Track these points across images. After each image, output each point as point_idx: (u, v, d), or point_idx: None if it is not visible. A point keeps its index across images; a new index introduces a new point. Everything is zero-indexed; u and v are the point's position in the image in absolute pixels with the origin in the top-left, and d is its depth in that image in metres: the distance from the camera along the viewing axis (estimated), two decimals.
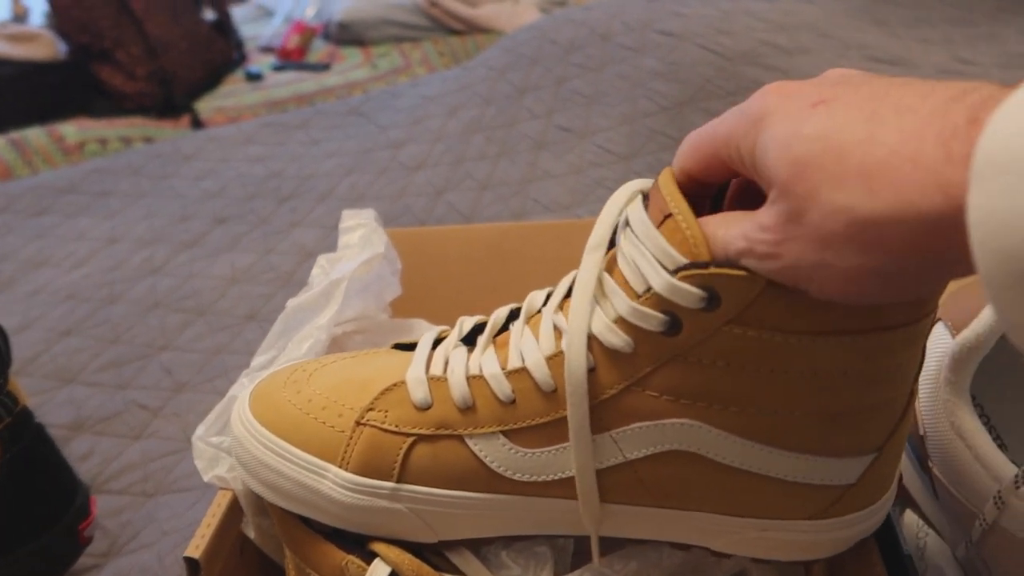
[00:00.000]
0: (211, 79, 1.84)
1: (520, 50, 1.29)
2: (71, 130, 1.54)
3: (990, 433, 0.36)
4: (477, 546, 0.34)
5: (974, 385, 0.36)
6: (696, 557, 0.34)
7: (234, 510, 0.39)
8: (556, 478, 0.30)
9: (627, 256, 0.27)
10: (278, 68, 1.96)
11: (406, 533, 0.32)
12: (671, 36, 1.06)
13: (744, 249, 0.23)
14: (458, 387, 0.31)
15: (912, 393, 0.28)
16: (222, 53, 1.89)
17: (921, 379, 0.33)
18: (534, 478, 0.30)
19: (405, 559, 0.31)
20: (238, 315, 0.90)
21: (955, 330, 0.32)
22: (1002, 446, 0.36)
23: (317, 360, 0.38)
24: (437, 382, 0.31)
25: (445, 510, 0.31)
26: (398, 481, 0.31)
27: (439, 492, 0.31)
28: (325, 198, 1.14)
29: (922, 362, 0.27)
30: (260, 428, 0.33)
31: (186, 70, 1.73)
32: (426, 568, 0.31)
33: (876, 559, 0.33)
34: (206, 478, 0.39)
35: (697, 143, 0.25)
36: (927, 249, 0.18)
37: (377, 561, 0.31)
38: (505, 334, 0.32)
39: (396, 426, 0.31)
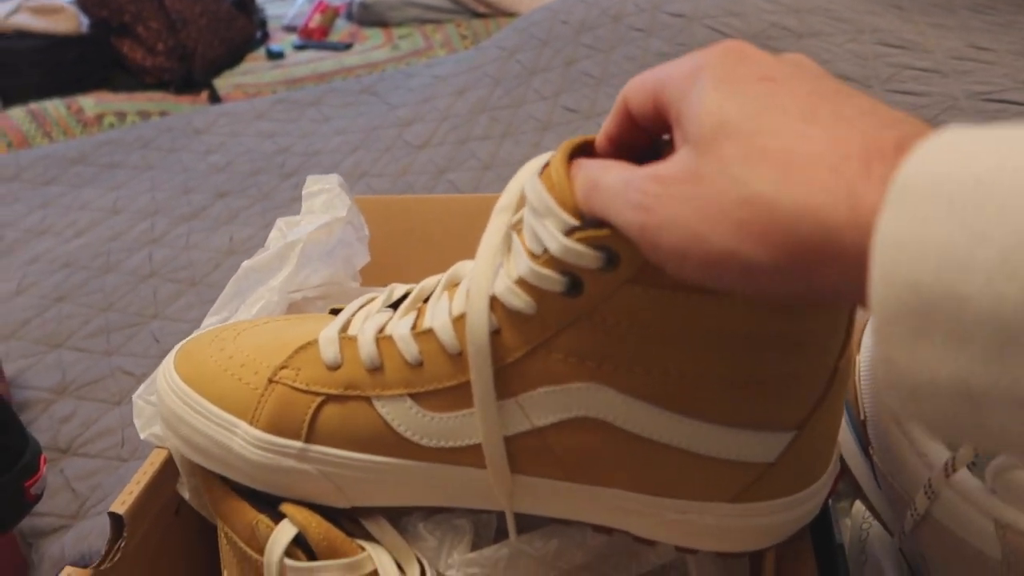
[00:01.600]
0: (232, 56, 1.85)
1: (532, 31, 1.27)
2: (90, 103, 1.56)
3: None
4: (395, 516, 0.33)
5: None
6: (623, 541, 0.32)
7: (168, 469, 0.39)
8: (465, 444, 0.29)
9: (526, 220, 0.26)
10: (300, 47, 1.97)
11: (317, 496, 0.31)
12: (681, 17, 1.04)
13: (616, 193, 0.21)
14: (366, 346, 0.30)
15: (836, 371, 0.26)
16: (244, 31, 1.90)
17: (862, 364, 0.31)
18: (442, 444, 0.29)
19: (313, 521, 0.30)
20: None
21: None
22: None
23: (249, 321, 0.37)
24: (348, 341, 0.30)
25: (354, 474, 0.30)
26: (306, 441, 0.30)
27: (347, 455, 0.30)
28: (328, 174, 1.13)
29: (847, 341, 0.26)
30: (180, 383, 0.33)
31: (206, 46, 1.74)
32: (335, 531, 0.30)
33: (807, 549, 0.31)
34: (143, 435, 0.39)
35: (642, 81, 0.24)
36: (809, 258, 0.17)
37: (284, 521, 0.30)
38: (423, 307, 0.31)
39: (306, 385, 0.30)
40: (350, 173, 1.12)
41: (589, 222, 0.24)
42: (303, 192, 0.50)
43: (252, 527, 0.32)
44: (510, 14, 2.09)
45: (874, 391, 0.30)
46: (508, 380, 0.27)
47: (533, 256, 0.25)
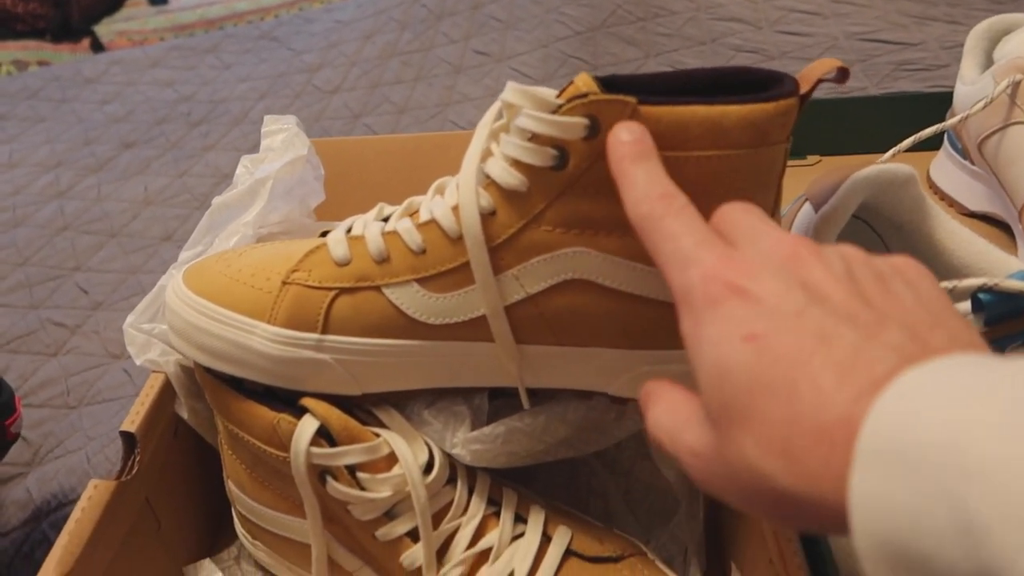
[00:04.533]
0: (110, 1, 1.74)
1: None
2: None
3: None
4: (400, 406, 0.37)
5: None
6: (597, 414, 0.38)
7: (167, 392, 0.41)
8: (466, 319, 0.33)
9: (511, 119, 0.30)
10: None
11: (332, 386, 0.35)
12: None
13: (668, 441, 0.24)
14: (374, 241, 0.33)
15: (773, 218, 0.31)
16: None
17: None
18: (446, 320, 0.33)
19: (333, 413, 0.34)
20: (152, 236, 0.89)
21: (817, 207, 0.36)
22: None
23: (248, 245, 0.40)
24: (355, 240, 0.34)
25: (367, 359, 0.34)
26: (322, 332, 0.34)
27: (361, 340, 0.34)
28: (239, 122, 1.12)
29: (776, 210, 0.31)
30: (193, 296, 0.35)
31: None
32: (352, 422, 0.34)
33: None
34: (139, 361, 0.41)
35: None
36: (812, 514, 0.19)
37: (306, 416, 0.34)
38: (417, 212, 0.35)
39: (319, 282, 0.34)
40: (261, 120, 1.11)
41: (576, 95, 0.27)
42: (262, 131, 0.51)
43: (272, 427, 0.35)
44: None
45: None
46: (504, 255, 0.31)
47: (524, 138, 0.29)
